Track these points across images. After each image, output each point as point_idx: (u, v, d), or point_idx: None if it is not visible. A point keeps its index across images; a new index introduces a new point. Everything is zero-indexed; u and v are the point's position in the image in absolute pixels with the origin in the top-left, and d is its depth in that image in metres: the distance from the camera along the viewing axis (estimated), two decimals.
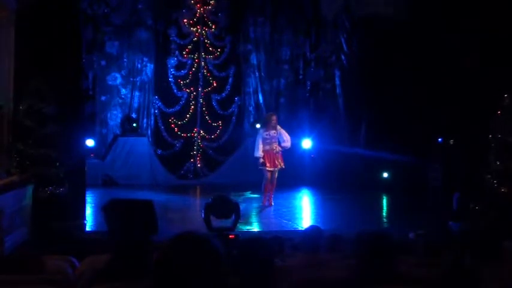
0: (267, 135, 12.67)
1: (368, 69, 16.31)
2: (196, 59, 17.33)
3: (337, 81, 17.62)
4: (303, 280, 4.22)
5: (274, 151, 12.66)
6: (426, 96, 14.90)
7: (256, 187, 13.09)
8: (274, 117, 12.91)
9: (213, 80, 17.53)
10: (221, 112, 17.69)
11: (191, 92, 17.34)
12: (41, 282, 4.34)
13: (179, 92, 17.30)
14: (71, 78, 10.69)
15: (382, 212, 13.66)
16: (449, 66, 14.10)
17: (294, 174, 16.75)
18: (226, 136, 17.64)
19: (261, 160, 12.57)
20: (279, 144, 12.73)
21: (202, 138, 17.49)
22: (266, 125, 12.85)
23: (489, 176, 10.93)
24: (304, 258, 5.34)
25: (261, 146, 12.60)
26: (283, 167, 12.80)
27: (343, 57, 17.51)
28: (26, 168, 9.80)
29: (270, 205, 12.89)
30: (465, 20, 13.30)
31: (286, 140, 12.77)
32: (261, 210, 12.73)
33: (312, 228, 6.06)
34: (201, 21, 17.27)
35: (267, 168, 12.61)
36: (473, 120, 12.70)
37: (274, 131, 12.73)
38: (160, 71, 17.23)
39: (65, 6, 10.56)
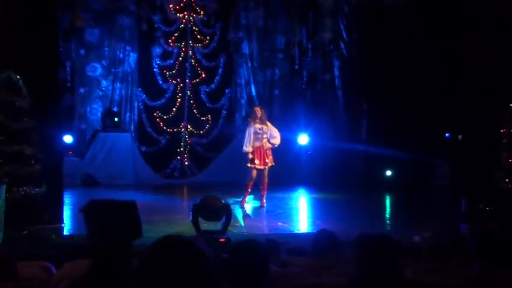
0: (259, 129, 12.65)
1: (369, 59, 16.32)
2: (183, 47, 17.31)
3: (336, 72, 17.62)
4: (301, 286, 4.22)
5: (265, 147, 12.65)
6: (433, 88, 14.92)
7: (255, 189, 13.09)
8: (257, 109, 12.94)
9: (201, 70, 17.51)
10: (210, 105, 17.69)
11: (178, 83, 17.32)
12: None
13: (165, 84, 17.28)
14: (47, 69, 10.64)
15: (385, 213, 13.67)
16: (457, 56, 14.11)
17: (289, 172, 16.79)
18: (216, 131, 17.64)
19: (250, 156, 12.56)
20: (268, 140, 12.71)
21: (190, 133, 17.48)
22: (255, 119, 12.81)
23: (500, 174, 10.95)
24: (305, 263, 5.34)
25: (251, 141, 12.58)
26: (273, 164, 12.79)
27: (342, 45, 17.51)
28: None
29: (263, 206, 12.88)
30: (473, 10, 13.32)
31: (276, 136, 12.73)
32: (254, 211, 12.72)
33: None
34: (188, 7, 17.25)
35: (256, 166, 12.59)
36: (483, 113, 12.72)
37: (265, 126, 12.71)
38: (144, 61, 17.20)
39: None
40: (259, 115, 12.74)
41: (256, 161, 12.57)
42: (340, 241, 6.01)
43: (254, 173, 12.70)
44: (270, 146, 12.71)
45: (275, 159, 13.96)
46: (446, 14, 14.32)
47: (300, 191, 16.08)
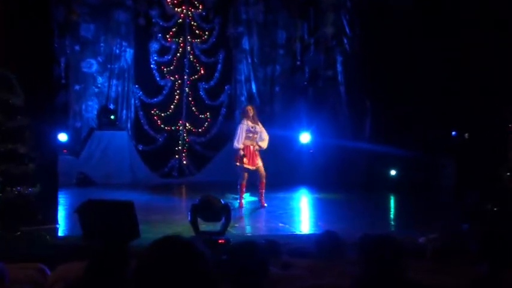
0: (252, 128, 12.63)
1: (373, 54, 16.31)
2: (182, 43, 17.31)
3: (339, 68, 17.63)
4: None
5: (255, 148, 12.65)
6: (439, 84, 14.91)
7: (251, 187, 13.10)
8: (249, 108, 12.91)
9: (200, 66, 17.52)
10: (209, 102, 17.69)
11: (176, 80, 17.32)
12: None
13: (162, 80, 17.28)
14: (41, 65, 10.63)
15: (388, 213, 13.67)
16: (464, 50, 14.10)
17: (291, 171, 16.80)
18: (215, 129, 17.64)
19: (241, 153, 12.53)
20: (256, 142, 12.73)
21: (189, 131, 17.48)
22: (247, 118, 12.77)
23: (508, 174, 10.96)
24: (306, 265, 5.35)
25: (243, 138, 12.57)
26: (261, 166, 12.78)
27: (345, 40, 17.51)
28: None
29: (263, 206, 12.87)
30: (478, 5, 13.34)
31: (264, 139, 12.72)
32: (254, 212, 12.73)
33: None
34: (187, 1, 17.25)
35: (245, 165, 12.58)
36: (490, 111, 12.72)
37: (258, 126, 12.71)
38: (141, 57, 17.20)
39: None
40: (251, 114, 12.70)
41: (247, 160, 12.56)
42: (343, 242, 6.03)
43: (246, 173, 12.69)
44: (258, 147, 12.71)
45: (277, 157, 14.01)
46: (448, 11, 14.32)
47: (301, 191, 16.08)
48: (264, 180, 12.79)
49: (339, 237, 5.92)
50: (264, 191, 12.91)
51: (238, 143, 12.55)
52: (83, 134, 16.80)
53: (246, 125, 12.64)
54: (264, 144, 12.73)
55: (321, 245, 5.82)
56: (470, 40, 13.58)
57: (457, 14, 13.91)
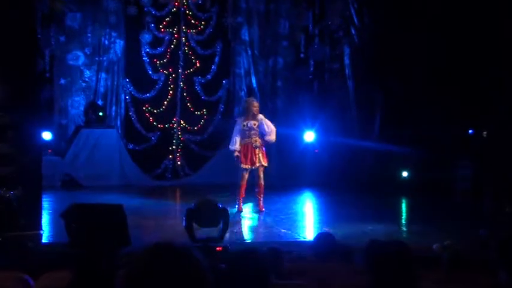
0: (244, 126, 12.59)
1: (383, 46, 16.31)
2: (176, 33, 17.30)
3: (346, 61, 17.62)
4: None
5: (253, 145, 12.58)
6: (454, 78, 14.91)
7: (250, 188, 13.11)
8: (255, 104, 12.84)
9: (196, 59, 17.50)
10: (206, 98, 17.68)
11: (169, 73, 17.31)
12: None
13: (155, 74, 17.27)
14: (23, 58, 10.63)
15: (400, 218, 13.69)
16: (481, 41, 14.09)
17: (294, 173, 16.80)
18: (212, 127, 17.62)
19: (236, 154, 12.53)
20: (262, 137, 12.70)
21: (183, 129, 17.47)
22: (245, 113, 12.78)
23: None
24: (309, 274, 5.37)
25: (238, 138, 12.57)
26: (265, 165, 12.69)
27: (353, 31, 17.51)
28: None
29: (261, 211, 12.86)
30: None
31: (270, 131, 12.64)
32: (254, 217, 12.74)
33: (321, 236, 6.09)
34: None
35: (242, 165, 12.56)
36: (510, 107, 12.73)
37: (254, 122, 12.61)
38: (132, 49, 17.19)
39: None
40: (254, 110, 12.62)
41: (243, 160, 12.55)
42: (343, 245, 6.06)
43: (245, 173, 12.67)
44: (262, 143, 12.64)
45: (279, 157, 13.95)
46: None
47: (305, 194, 16.09)
48: (262, 182, 12.71)
49: (334, 239, 5.95)
50: (262, 195, 12.86)
51: (234, 144, 12.57)
52: (69, 132, 16.80)
53: (238, 123, 12.66)
54: (271, 137, 12.63)
55: (317, 249, 5.85)
56: (488, 31, 13.59)
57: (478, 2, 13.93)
